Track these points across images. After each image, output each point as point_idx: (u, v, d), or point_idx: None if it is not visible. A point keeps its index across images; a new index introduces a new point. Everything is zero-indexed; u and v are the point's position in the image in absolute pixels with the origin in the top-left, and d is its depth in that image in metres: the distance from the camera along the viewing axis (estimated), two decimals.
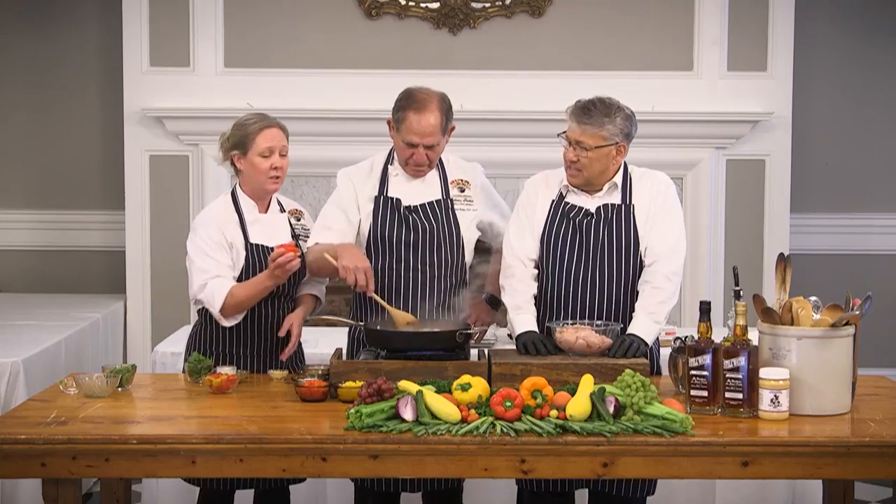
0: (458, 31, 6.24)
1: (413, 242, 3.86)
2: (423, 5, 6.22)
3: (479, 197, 3.98)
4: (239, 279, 3.79)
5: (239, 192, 3.89)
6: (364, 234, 3.90)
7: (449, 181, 3.96)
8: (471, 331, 3.69)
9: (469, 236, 3.94)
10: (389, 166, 3.95)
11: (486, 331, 4.05)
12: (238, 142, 3.83)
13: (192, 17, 6.18)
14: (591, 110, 3.64)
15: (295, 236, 3.93)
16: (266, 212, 3.91)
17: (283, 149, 3.83)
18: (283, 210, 3.96)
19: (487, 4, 6.23)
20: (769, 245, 6.26)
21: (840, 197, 6.74)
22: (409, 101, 3.82)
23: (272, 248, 3.76)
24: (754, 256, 6.25)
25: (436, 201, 3.92)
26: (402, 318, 3.73)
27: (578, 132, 3.65)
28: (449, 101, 3.87)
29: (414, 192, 3.91)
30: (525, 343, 3.64)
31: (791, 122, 6.27)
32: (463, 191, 3.96)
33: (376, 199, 3.90)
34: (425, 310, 3.84)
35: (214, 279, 3.74)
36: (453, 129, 3.91)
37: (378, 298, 3.76)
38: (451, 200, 3.93)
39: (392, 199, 3.89)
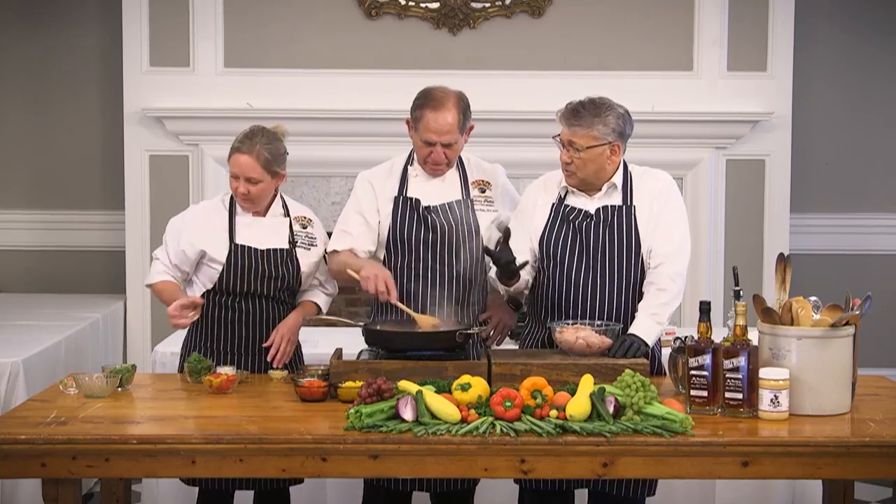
0: (458, 31, 6.24)
1: (432, 242, 3.85)
2: (423, 5, 6.22)
3: (500, 198, 3.97)
4: (221, 278, 3.84)
5: None
6: (384, 234, 3.90)
7: (470, 181, 3.95)
8: (471, 331, 3.68)
9: (488, 237, 3.92)
10: (409, 167, 3.94)
11: (508, 330, 4.03)
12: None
13: (192, 17, 6.18)
14: (580, 111, 3.65)
15: (292, 242, 3.92)
16: (265, 215, 3.92)
17: (250, 178, 3.82)
18: (287, 214, 3.96)
19: (487, 4, 6.23)
20: (769, 245, 6.27)
21: (839, 197, 6.74)
22: (426, 100, 3.81)
23: (262, 251, 3.85)
24: (754, 256, 6.25)
25: (455, 201, 3.91)
26: (426, 322, 3.73)
27: (569, 134, 3.66)
28: (467, 100, 3.86)
29: (434, 192, 3.90)
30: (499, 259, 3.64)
31: (791, 122, 6.27)
32: (484, 191, 3.95)
33: (395, 199, 3.89)
34: (444, 310, 3.84)
35: (160, 263, 3.97)
36: (472, 128, 3.90)
37: (402, 305, 3.76)
38: (472, 201, 3.92)
39: (411, 199, 3.88)
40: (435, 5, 6.22)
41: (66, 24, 6.57)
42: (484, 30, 6.26)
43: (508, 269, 3.65)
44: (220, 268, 3.85)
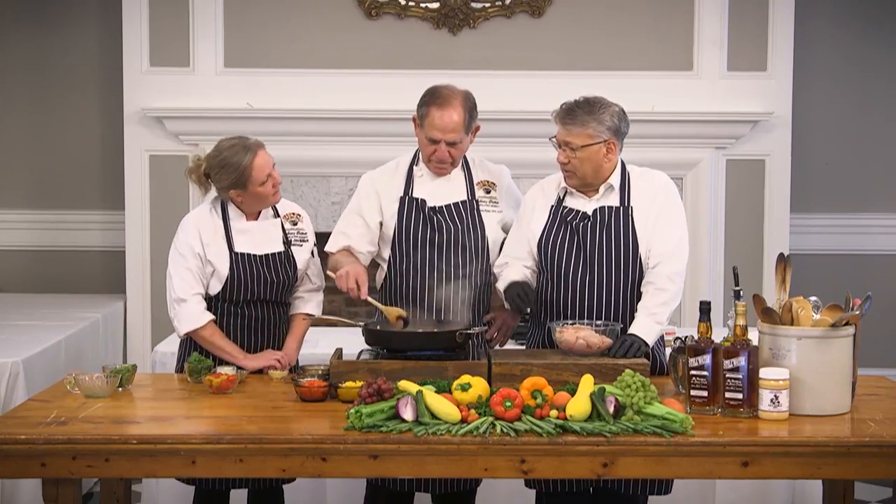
0: (458, 31, 6.24)
1: (438, 243, 3.86)
2: (423, 5, 6.22)
3: (504, 199, 3.97)
4: (224, 288, 3.80)
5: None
6: (389, 234, 3.90)
7: (475, 182, 3.95)
8: (471, 331, 3.68)
9: (494, 237, 3.91)
10: (415, 167, 3.94)
11: (511, 332, 4.04)
12: None
13: (192, 17, 6.18)
14: (575, 111, 3.67)
15: (287, 242, 3.91)
16: (257, 218, 3.89)
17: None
18: (277, 215, 3.93)
19: (487, 4, 6.23)
20: (769, 245, 6.26)
21: (840, 197, 6.74)
22: (432, 98, 3.82)
23: (261, 257, 3.81)
24: (754, 256, 6.25)
25: (461, 202, 3.91)
26: (392, 314, 3.75)
27: (564, 133, 3.68)
28: (474, 100, 3.87)
29: (439, 192, 3.90)
30: (512, 298, 3.68)
31: (791, 122, 6.27)
32: (489, 192, 3.95)
33: (401, 200, 3.89)
34: (450, 311, 3.84)
35: (192, 302, 3.77)
36: (478, 128, 3.90)
37: (370, 299, 3.77)
38: (477, 201, 3.92)
39: (417, 199, 3.89)
40: (435, 5, 6.22)
41: (66, 24, 6.57)
42: (484, 30, 6.26)
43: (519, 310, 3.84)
44: (223, 277, 3.81)
